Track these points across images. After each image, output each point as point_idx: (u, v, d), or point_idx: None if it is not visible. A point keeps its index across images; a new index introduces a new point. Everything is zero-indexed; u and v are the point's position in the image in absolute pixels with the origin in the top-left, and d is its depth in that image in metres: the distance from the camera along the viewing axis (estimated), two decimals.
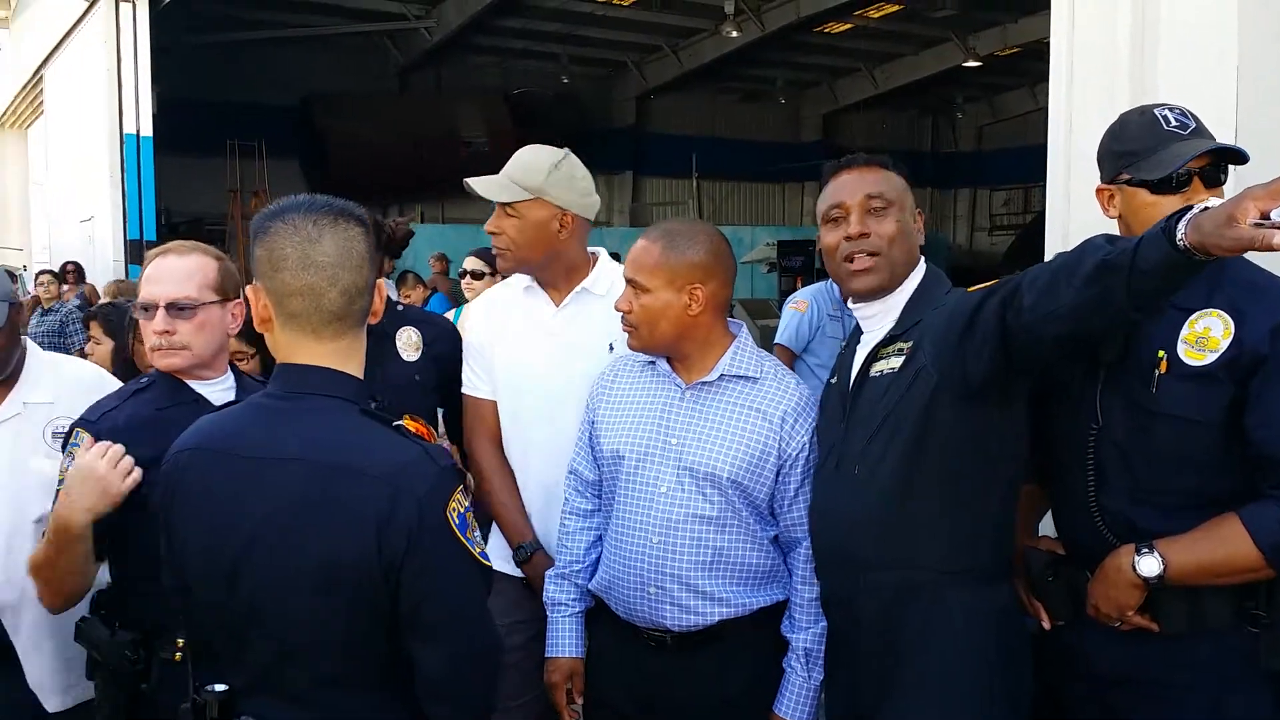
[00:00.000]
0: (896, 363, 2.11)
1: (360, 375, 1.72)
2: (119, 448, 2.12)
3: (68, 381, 2.54)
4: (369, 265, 1.69)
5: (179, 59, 12.36)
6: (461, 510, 1.65)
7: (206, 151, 17.01)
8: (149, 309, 2.23)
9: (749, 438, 2.28)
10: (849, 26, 18.76)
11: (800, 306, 5.44)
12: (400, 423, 1.69)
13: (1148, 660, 2.02)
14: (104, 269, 11.46)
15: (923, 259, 2.23)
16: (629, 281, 2.34)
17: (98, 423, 2.21)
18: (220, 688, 1.63)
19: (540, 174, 2.62)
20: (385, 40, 19.09)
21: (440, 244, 13.60)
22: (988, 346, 1.91)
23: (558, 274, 2.70)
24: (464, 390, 2.84)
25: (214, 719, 1.63)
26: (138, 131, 11.14)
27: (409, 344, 2.99)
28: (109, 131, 11.22)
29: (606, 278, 2.72)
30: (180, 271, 2.25)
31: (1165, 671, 2.01)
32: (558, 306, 2.71)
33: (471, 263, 5.38)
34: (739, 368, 2.34)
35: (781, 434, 2.29)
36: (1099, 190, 2.12)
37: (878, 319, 2.21)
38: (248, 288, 1.73)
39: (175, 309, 2.22)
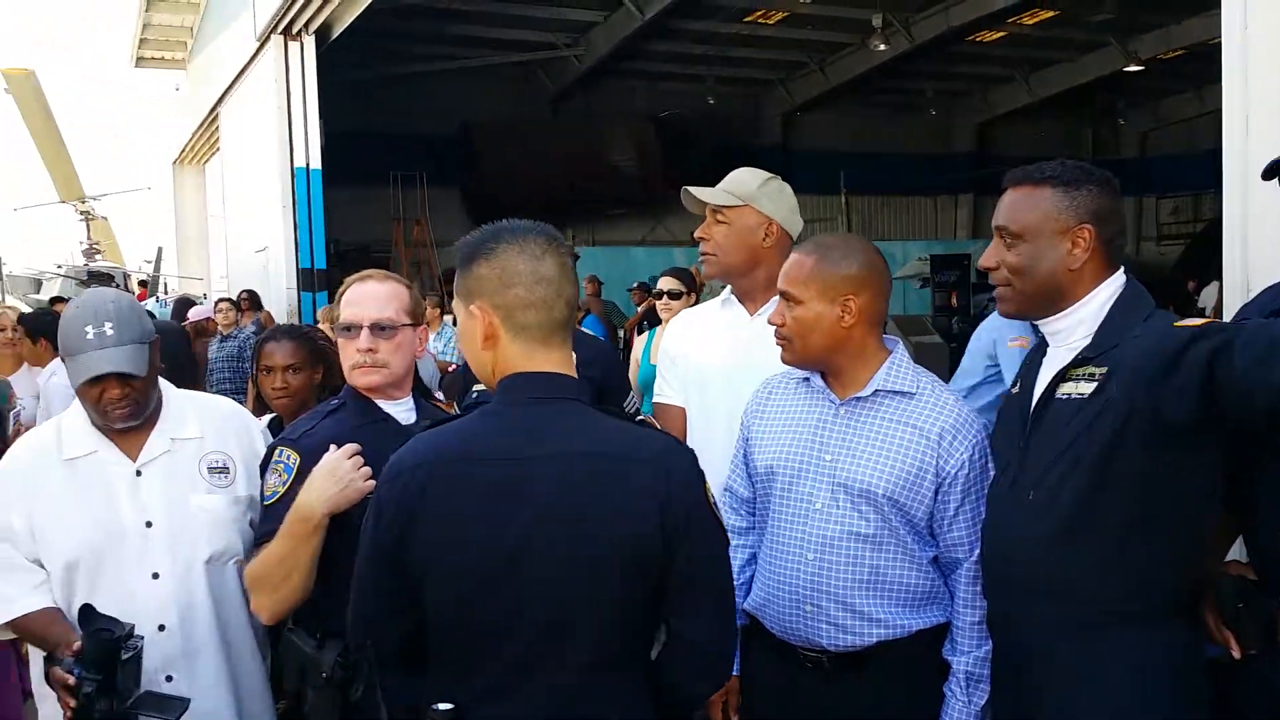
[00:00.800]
0: (1087, 389, 2.03)
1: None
2: (356, 450, 2.22)
3: (210, 415, 2.56)
4: (577, 281, 1.84)
5: (344, 93, 12.93)
6: (710, 490, 1.80)
7: (371, 182, 17.74)
8: (352, 329, 2.37)
9: (905, 454, 2.24)
10: (1002, 34, 18.31)
11: (1023, 343, 5.19)
12: (641, 417, 1.80)
13: None
14: (278, 296, 12.05)
15: (1120, 272, 2.11)
16: (782, 295, 2.35)
17: (299, 440, 2.34)
18: (445, 706, 1.69)
19: (753, 185, 2.82)
20: (537, 69, 19.57)
21: (591, 266, 13.82)
22: (1190, 393, 1.83)
23: (757, 284, 2.82)
24: (655, 399, 2.97)
25: None
26: (307, 164, 11.69)
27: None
28: (280, 165, 11.82)
29: None
30: (381, 296, 2.40)
31: None
32: (752, 316, 2.82)
33: (668, 283, 5.43)
34: (895, 383, 2.30)
35: (939, 451, 2.24)
36: None
37: (1064, 335, 2.13)
38: (463, 309, 1.84)
39: (377, 329, 2.36)
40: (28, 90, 21.43)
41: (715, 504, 1.80)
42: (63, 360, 2.41)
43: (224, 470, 2.47)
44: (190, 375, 4.97)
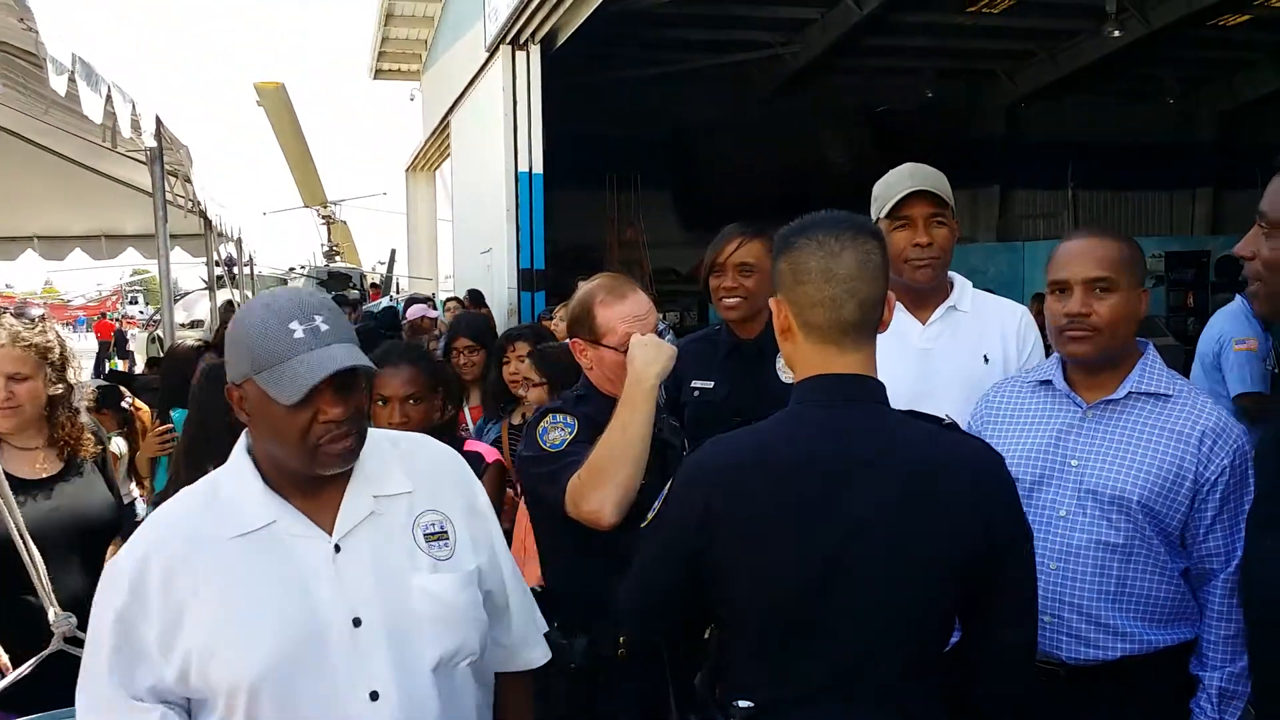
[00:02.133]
0: None
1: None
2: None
3: (418, 459, 1.92)
4: (884, 278, 1.78)
5: (564, 99, 13.35)
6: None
7: (588, 185, 18.20)
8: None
9: (1162, 459, 2.15)
10: (1248, 16, 17.05)
11: (1252, 346, 4.94)
12: (947, 421, 1.80)
13: None
14: (499, 296, 12.59)
15: None
16: (1093, 282, 2.20)
17: (569, 409, 2.51)
18: (745, 703, 1.71)
19: (949, 192, 2.74)
20: (751, 69, 19.61)
21: None
22: None
23: (927, 293, 2.77)
24: None
25: None
26: (530, 169, 12.15)
27: (785, 366, 3.12)
28: (506, 170, 12.33)
29: (969, 295, 2.80)
30: (646, 308, 2.57)
31: None
32: (924, 324, 2.78)
33: None
34: (1150, 384, 2.21)
35: (1200, 455, 2.14)
36: None
37: None
38: (771, 300, 1.85)
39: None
40: (278, 103, 23.01)
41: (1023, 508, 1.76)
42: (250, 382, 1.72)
43: (442, 536, 1.84)
44: None
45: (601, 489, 2.27)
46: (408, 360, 3.03)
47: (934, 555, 1.66)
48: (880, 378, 2.67)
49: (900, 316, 2.78)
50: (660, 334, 2.60)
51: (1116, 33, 16.24)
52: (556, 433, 2.44)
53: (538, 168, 12.17)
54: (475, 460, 3.09)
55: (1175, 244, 19.20)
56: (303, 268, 24.73)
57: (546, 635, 2.10)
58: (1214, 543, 2.16)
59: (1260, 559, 1.85)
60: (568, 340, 2.70)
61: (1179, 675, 2.21)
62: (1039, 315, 2.61)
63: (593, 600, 2.22)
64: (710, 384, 3.17)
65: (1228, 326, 5.14)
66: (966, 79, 20.86)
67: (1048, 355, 2.52)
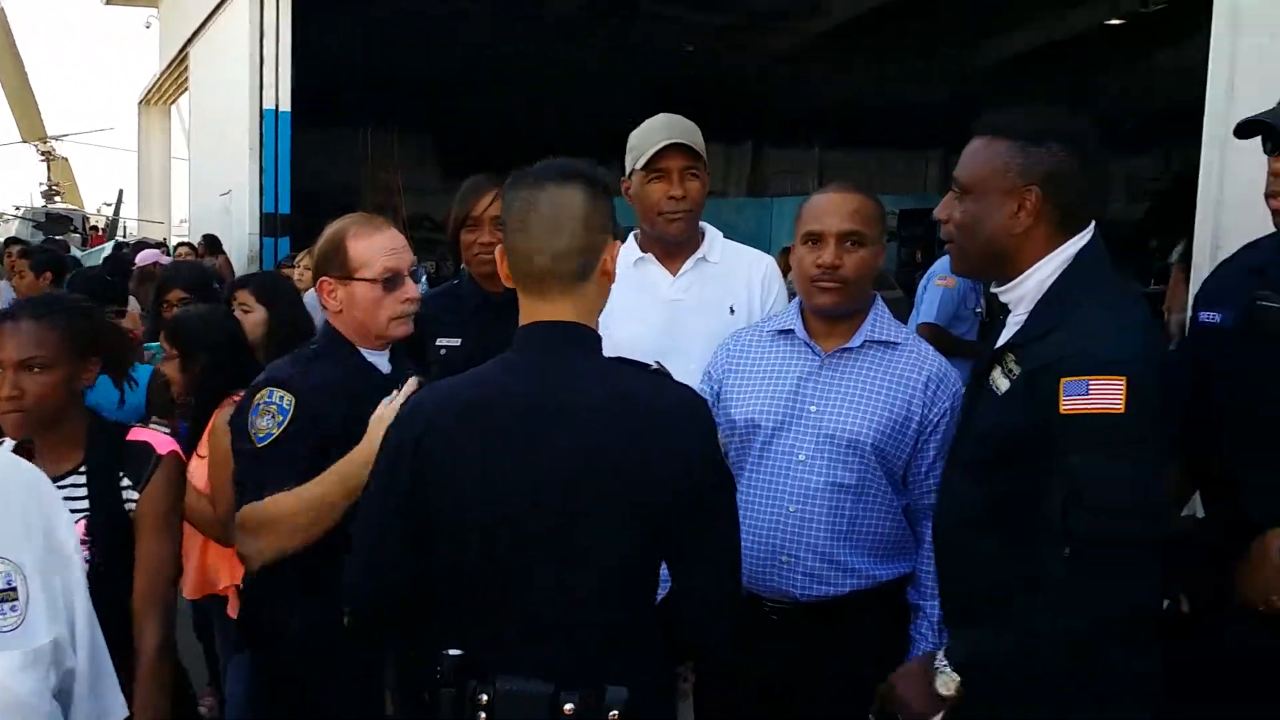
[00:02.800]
0: (1003, 385, 1.93)
1: (595, 328, 1.79)
2: (415, 389, 2.11)
3: None
4: (587, 227, 1.74)
5: (317, 34, 12.66)
6: (724, 443, 1.80)
7: (340, 125, 17.47)
8: (397, 279, 2.34)
9: (892, 403, 2.27)
10: None
11: (949, 283, 5.28)
12: (657, 367, 1.81)
13: None
14: (239, 242, 11.89)
15: (1076, 240, 1.93)
16: (846, 235, 2.27)
17: (289, 381, 2.26)
18: (455, 651, 1.69)
19: (701, 143, 2.71)
20: (516, 16, 19.28)
21: None
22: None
23: (678, 245, 2.78)
24: None
25: (449, 683, 1.68)
26: (276, 106, 11.49)
27: None
28: (249, 107, 11.60)
29: (719, 247, 2.82)
30: (405, 244, 2.40)
31: None
32: (674, 276, 2.78)
33: None
34: (880, 333, 2.32)
35: (925, 399, 2.28)
36: None
37: (1014, 306, 2.01)
38: (499, 248, 1.82)
39: (412, 279, 2.37)
40: None
41: (726, 453, 1.78)
42: None
43: (9, 596, 1.29)
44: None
45: (261, 542, 2.19)
46: (34, 314, 2.26)
47: (631, 500, 1.68)
48: (631, 328, 2.71)
49: (651, 268, 2.80)
50: (415, 279, 2.45)
51: None
52: (265, 420, 2.22)
53: (285, 105, 11.51)
54: (143, 453, 2.31)
55: (908, 202, 20.38)
56: (17, 209, 22.64)
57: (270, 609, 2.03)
58: (933, 480, 2.28)
59: (940, 490, 2.12)
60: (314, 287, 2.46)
61: (899, 605, 2.34)
62: (787, 269, 2.66)
63: (310, 576, 2.16)
64: (457, 341, 3.07)
65: (938, 266, 5.55)
66: (723, 35, 21.27)
67: None
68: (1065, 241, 1.92)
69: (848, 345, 2.31)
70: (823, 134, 21.62)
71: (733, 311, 2.74)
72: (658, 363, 1.83)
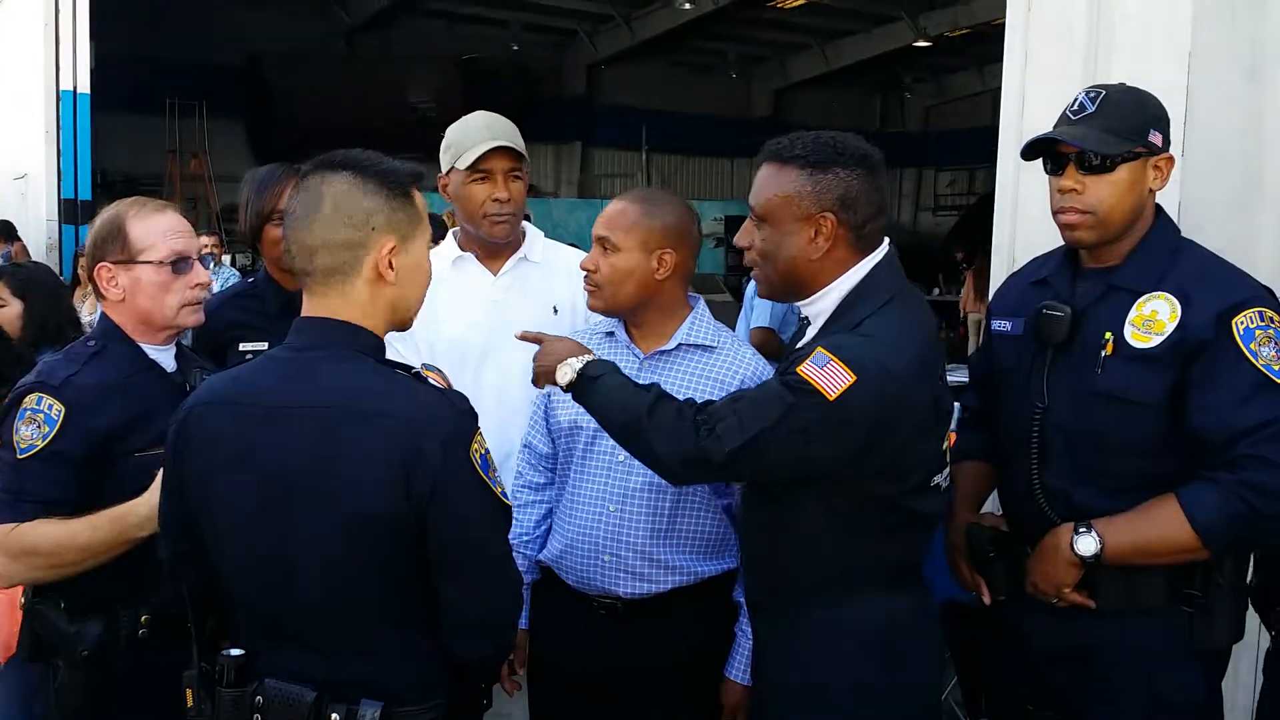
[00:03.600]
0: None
1: (378, 329, 1.74)
2: None
3: None
4: (347, 220, 1.68)
5: (117, 14, 11.99)
6: (482, 452, 1.70)
7: (145, 110, 16.61)
8: (185, 262, 2.20)
9: None
10: (802, 2, 18.74)
11: None
12: (418, 370, 1.74)
13: (1084, 637, 2.06)
14: (37, 228, 11.15)
15: (869, 260, 2.02)
16: (599, 240, 2.33)
17: (61, 388, 2.09)
18: (236, 651, 1.66)
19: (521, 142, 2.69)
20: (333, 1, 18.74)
21: None
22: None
23: (500, 244, 2.73)
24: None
25: (230, 684, 1.65)
26: (74, 88, 10.83)
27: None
28: (45, 88, 10.90)
29: (540, 246, 2.80)
30: (189, 228, 2.27)
31: (1100, 649, 2.05)
32: (495, 275, 2.74)
33: None
34: (697, 337, 2.35)
35: None
36: None
37: (814, 319, 2.10)
38: None
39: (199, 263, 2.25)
40: None
41: (480, 465, 1.68)
42: None
43: None
44: None
45: (17, 565, 2.07)
46: None
47: (354, 507, 1.62)
48: (454, 328, 2.67)
49: (471, 267, 2.75)
50: (204, 265, 2.29)
51: (687, 5, 17.24)
52: (29, 429, 2.06)
53: (84, 87, 10.85)
54: None
55: (734, 208, 20.85)
56: None
57: (51, 620, 2.00)
58: None
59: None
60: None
61: (723, 601, 2.37)
62: None
63: (111, 579, 2.06)
64: (264, 345, 2.88)
65: None
66: (551, 36, 21.27)
67: None
68: (861, 260, 2.01)
69: (664, 347, 2.34)
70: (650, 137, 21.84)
71: (556, 311, 2.72)
72: (425, 366, 1.79)
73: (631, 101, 22.16)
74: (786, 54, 22.89)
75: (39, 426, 2.05)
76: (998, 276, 2.95)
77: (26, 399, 2.09)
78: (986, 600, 2.18)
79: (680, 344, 2.34)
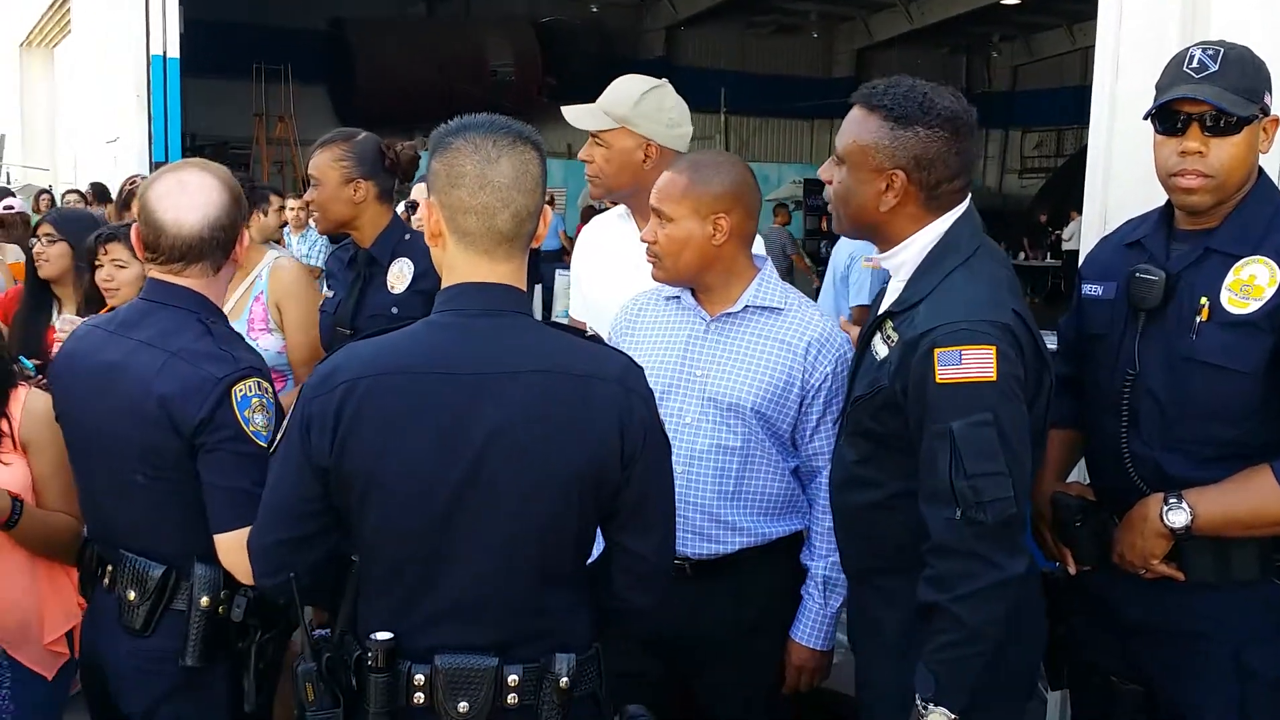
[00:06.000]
0: (882, 351, 2.00)
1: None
2: None
3: None
4: (541, 189, 1.72)
5: None
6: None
7: (233, 75, 16.92)
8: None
9: (773, 368, 2.30)
10: None
11: (875, 264, 5.38)
12: (591, 333, 1.77)
13: (1172, 609, 2.02)
14: None
15: (946, 218, 1.98)
16: (655, 212, 2.33)
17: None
18: (384, 635, 1.63)
19: (627, 104, 2.70)
20: None
21: None
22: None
23: (645, 202, 2.71)
24: (570, 313, 2.99)
25: (381, 668, 1.63)
26: (164, 53, 11.05)
27: (398, 275, 3.04)
28: (136, 53, 11.14)
29: None
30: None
31: (1189, 621, 2.01)
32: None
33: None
34: (763, 299, 2.35)
35: (805, 364, 2.30)
36: None
37: (895, 272, 2.07)
38: (423, 201, 1.73)
39: None
40: None
41: (661, 421, 1.76)
42: None
43: None
44: None
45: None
46: None
47: (567, 467, 1.64)
48: (601, 283, 2.73)
49: (627, 225, 2.80)
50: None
51: None
52: (260, 416, 1.98)
53: (174, 52, 11.06)
54: None
55: (813, 172, 20.55)
56: None
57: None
58: (819, 442, 2.34)
59: (834, 451, 2.21)
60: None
61: (791, 563, 2.38)
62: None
63: None
64: (332, 294, 3.10)
65: (858, 246, 5.63)
66: None
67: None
68: (937, 218, 1.98)
69: (730, 310, 2.34)
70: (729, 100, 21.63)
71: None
72: (590, 328, 1.80)
73: (710, 63, 21.95)
74: (870, 12, 22.45)
75: (265, 413, 2.00)
76: (1088, 240, 2.88)
77: (247, 380, 1.99)
78: (1071, 570, 2.14)
79: (746, 306, 2.34)
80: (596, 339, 1.80)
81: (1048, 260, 18.73)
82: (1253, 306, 1.89)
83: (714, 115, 21.91)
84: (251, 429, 1.95)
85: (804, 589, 2.37)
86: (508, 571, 1.65)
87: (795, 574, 2.38)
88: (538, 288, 12.45)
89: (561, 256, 13.20)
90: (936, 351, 1.82)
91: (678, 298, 2.41)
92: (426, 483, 1.63)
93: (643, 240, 2.37)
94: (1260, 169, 2.02)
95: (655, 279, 2.38)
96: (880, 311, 2.06)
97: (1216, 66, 1.94)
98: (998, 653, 1.85)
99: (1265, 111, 1.95)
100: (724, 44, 22.21)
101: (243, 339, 2.21)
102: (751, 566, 2.34)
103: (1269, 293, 1.88)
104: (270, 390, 2.03)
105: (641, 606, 1.82)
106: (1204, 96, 1.91)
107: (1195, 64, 1.95)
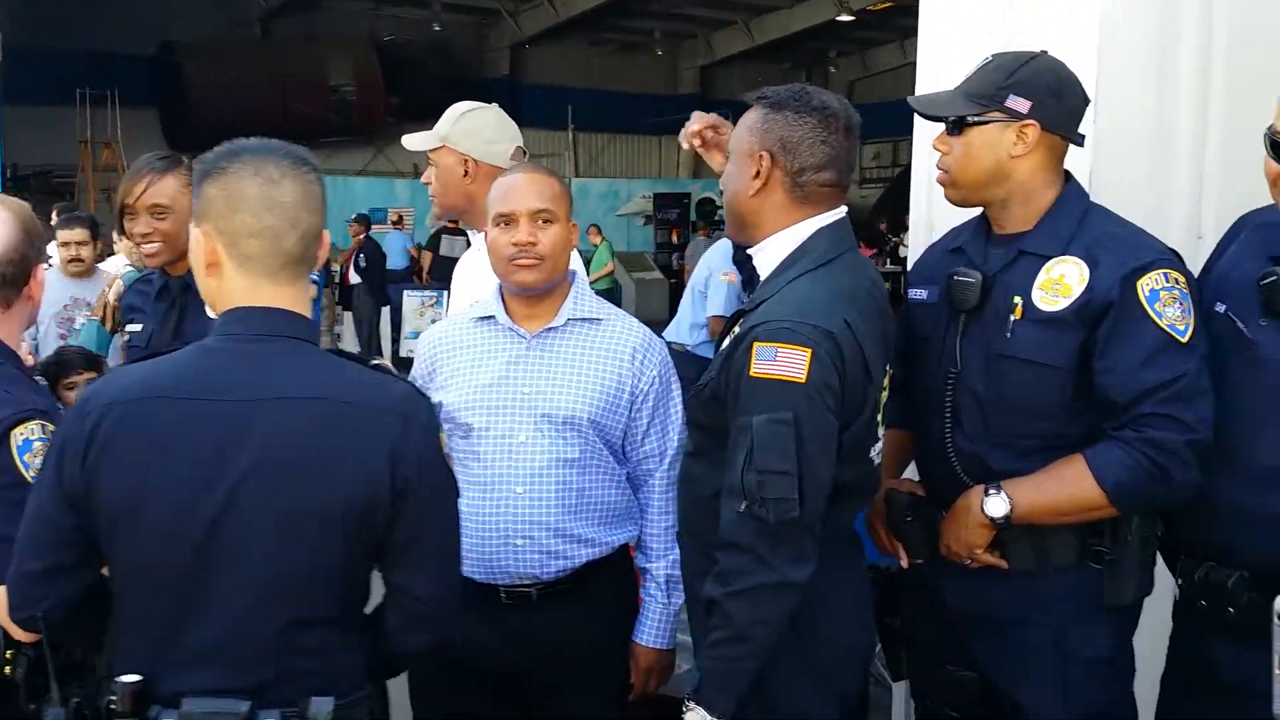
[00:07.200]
0: (724, 345, 2.04)
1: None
2: None
3: None
4: (323, 211, 1.68)
5: (24, 3, 11.63)
6: (445, 439, 1.72)
7: (56, 101, 16.17)
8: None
9: (604, 377, 2.31)
10: None
11: (731, 278, 5.47)
12: (377, 361, 1.71)
13: (996, 597, 2.09)
14: None
15: (814, 220, 2.02)
16: (534, 214, 2.27)
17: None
18: (132, 678, 1.53)
19: (448, 123, 2.82)
20: None
21: None
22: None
23: (476, 218, 2.79)
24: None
25: (127, 714, 1.53)
26: None
27: None
28: None
29: None
30: None
31: (1013, 608, 2.08)
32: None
33: None
34: (583, 310, 2.36)
35: (634, 369, 2.33)
36: None
37: (760, 272, 2.10)
38: (199, 228, 1.65)
39: None
40: None
41: (449, 455, 1.71)
42: None
43: None
44: None
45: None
46: None
47: (332, 499, 1.57)
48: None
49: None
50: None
51: None
52: (41, 461, 1.81)
53: None
54: None
55: (662, 186, 20.89)
56: None
57: None
58: (650, 446, 2.37)
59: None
60: None
61: (628, 569, 2.40)
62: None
63: None
64: (139, 327, 2.96)
65: (716, 260, 5.83)
66: (474, 16, 21.07)
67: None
68: (804, 217, 2.02)
69: (552, 325, 2.33)
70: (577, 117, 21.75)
71: None
72: (379, 356, 1.76)
73: (557, 81, 22.03)
74: (711, 30, 22.91)
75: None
76: (916, 248, 2.98)
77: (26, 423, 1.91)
78: (904, 564, 2.21)
79: (569, 319, 2.33)
80: (382, 368, 1.75)
81: (888, 267, 19.38)
82: (1062, 304, 1.99)
83: (562, 133, 21.98)
84: (32, 474, 1.82)
85: (644, 591, 2.38)
86: (266, 609, 1.57)
87: (632, 580, 2.40)
88: (385, 309, 12.33)
89: (410, 276, 13.03)
90: (755, 346, 1.87)
91: (490, 318, 2.36)
92: (181, 514, 1.55)
93: (518, 244, 2.26)
94: (1068, 174, 2.14)
95: (527, 282, 2.30)
96: (740, 308, 2.11)
97: (973, 73, 2.09)
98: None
99: (1011, 114, 2.03)
100: (570, 62, 22.34)
101: (30, 380, 2.10)
102: (596, 579, 2.33)
103: (1077, 290, 1.98)
104: None
105: (410, 649, 1.76)
106: (918, 105, 2.18)
107: (979, 66, 2.11)
